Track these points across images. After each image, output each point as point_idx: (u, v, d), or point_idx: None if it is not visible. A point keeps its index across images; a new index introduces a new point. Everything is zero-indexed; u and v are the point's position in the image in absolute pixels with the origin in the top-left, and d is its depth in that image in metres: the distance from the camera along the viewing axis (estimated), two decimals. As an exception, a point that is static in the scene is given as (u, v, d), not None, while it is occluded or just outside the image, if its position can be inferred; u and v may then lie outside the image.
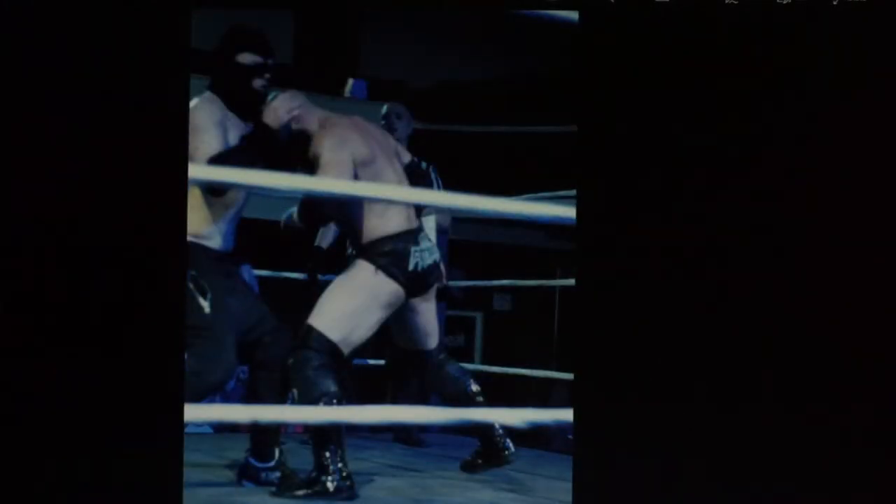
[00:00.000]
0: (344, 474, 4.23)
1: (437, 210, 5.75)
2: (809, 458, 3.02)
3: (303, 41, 8.18)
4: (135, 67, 2.69)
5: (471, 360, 10.27)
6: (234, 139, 4.26)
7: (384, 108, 6.00)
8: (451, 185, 5.30)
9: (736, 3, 2.96)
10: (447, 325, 6.60)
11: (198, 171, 2.58)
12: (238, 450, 4.82)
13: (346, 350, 4.33)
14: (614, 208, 3.04)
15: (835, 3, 2.94)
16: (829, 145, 2.99)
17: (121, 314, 2.72)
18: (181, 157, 2.74)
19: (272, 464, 4.53)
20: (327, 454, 4.20)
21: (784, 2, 2.95)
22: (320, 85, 8.13)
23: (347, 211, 4.42)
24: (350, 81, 8.60)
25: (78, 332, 2.70)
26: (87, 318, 2.70)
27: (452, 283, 6.07)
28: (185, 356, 3.85)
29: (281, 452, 4.57)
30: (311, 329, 4.31)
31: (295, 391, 4.21)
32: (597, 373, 3.08)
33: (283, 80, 4.44)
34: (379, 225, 4.40)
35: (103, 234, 2.69)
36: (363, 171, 4.35)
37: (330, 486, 4.18)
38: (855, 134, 2.98)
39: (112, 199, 2.69)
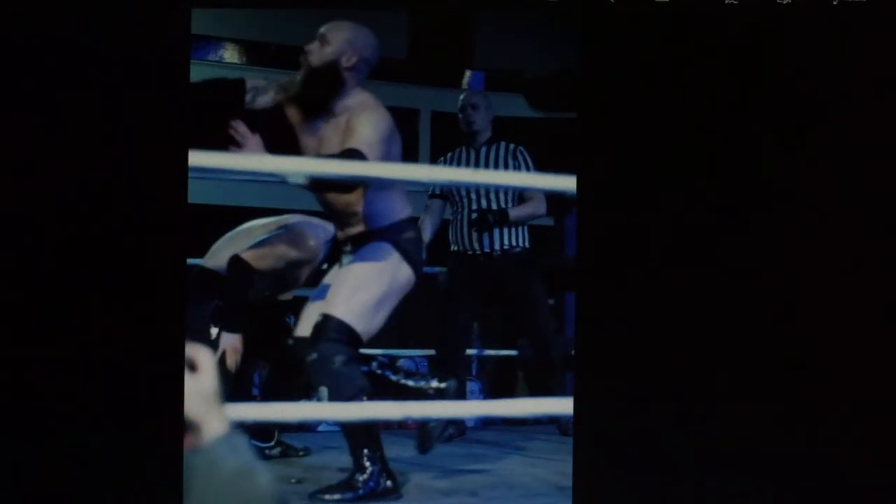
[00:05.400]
0: (384, 473, 4.05)
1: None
2: (804, 451, 3.03)
3: (417, 34, 8.28)
4: (135, 65, 2.80)
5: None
6: None
7: (460, 100, 5.89)
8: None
9: (736, 3, 2.97)
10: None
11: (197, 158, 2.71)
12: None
13: (365, 339, 4.04)
14: (614, 198, 3.08)
15: (835, 3, 2.92)
16: (828, 144, 2.98)
17: (121, 313, 2.83)
18: (181, 152, 2.84)
19: (272, 443, 4.74)
20: (366, 452, 4.02)
21: (784, 2, 2.94)
22: (437, 77, 8.24)
23: (368, 190, 4.11)
24: (467, 73, 8.66)
25: (76, 330, 2.82)
26: (86, 318, 2.81)
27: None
28: None
29: (279, 431, 4.70)
30: (329, 319, 3.97)
31: (324, 389, 3.92)
32: (597, 362, 3.12)
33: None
34: (400, 208, 4.17)
35: (102, 231, 2.82)
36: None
37: (371, 486, 4.01)
38: (854, 133, 2.96)
39: (112, 196, 2.82)
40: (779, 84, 2.98)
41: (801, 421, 3.02)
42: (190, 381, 1.74)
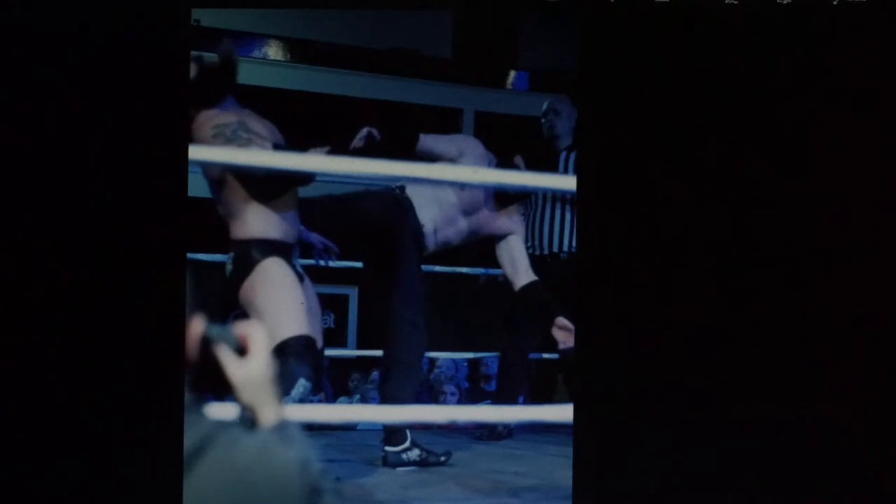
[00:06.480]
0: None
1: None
2: (805, 453, 3.01)
3: (462, 34, 8.29)
4: (135, 65, 2.84)
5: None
6: None
7: (544, 106, 5.82)
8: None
9: (736, 2, 2.95)
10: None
11: (196, 152, 2.74)
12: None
13: None
14: (614, 198, 3.08)
15: (835, 3, 2.89)
16: (828, 143, 2.96)
17: (121, 307, 2.86)
18: (181, 147, 2.87)
19: (407, 444, 4.75)
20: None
21: (784, 2, 2.92)
22: (482, 78, 8.23)
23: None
24: (512, 73, 8.67)
25: (76, 329, 2.84)
26: (86, 313, 2.84)
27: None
28: None
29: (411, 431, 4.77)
30: None
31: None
32: (597, 363, 3.12)
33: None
34: None
35: (102, 225, 2.85)
36: None
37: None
38: (854, 133, 2.93)
39: (112, 190, 2.86)
40: (779, 84, 2.96)
41: (802, 421, 3.00)
42: (238, 366, 1.61)
